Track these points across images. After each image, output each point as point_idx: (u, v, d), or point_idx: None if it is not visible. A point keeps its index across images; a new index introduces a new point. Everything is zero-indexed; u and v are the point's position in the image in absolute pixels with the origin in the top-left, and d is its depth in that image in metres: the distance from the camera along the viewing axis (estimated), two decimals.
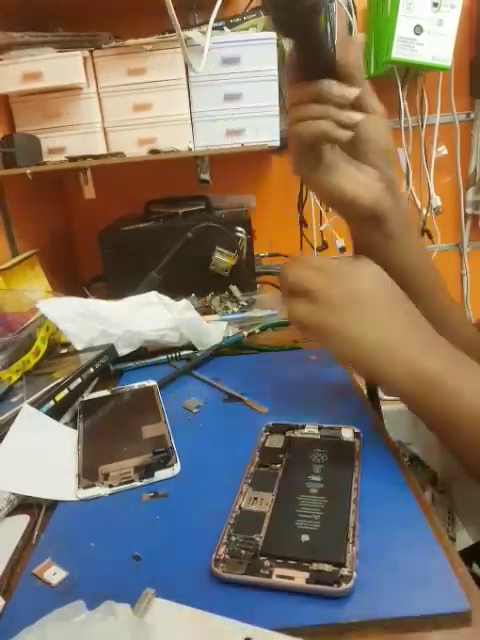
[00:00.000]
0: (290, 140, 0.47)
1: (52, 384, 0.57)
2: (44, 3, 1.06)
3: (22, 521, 0.41)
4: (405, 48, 1.10)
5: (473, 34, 1.27)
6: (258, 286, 1.04)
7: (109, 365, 0.67)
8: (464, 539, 1.00)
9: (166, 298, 0.77)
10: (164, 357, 0.70)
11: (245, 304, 0.93)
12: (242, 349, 0.73)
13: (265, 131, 1.10)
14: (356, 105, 0.45)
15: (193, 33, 1.01)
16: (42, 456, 0.48)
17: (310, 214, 1.35)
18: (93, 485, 0.44)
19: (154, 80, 1.05)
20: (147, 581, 0.32)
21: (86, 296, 1.03)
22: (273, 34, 1.05)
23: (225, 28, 1.09)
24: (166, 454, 0.46)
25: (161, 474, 0.44)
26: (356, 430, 0.46)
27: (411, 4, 1.07)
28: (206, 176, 1.29)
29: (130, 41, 1.01)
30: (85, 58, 1.02)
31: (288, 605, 0.30)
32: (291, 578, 0.31)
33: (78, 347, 0.66)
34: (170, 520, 0.39)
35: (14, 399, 0.58)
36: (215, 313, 0.89)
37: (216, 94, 1.07)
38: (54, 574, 0.35)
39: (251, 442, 0.47)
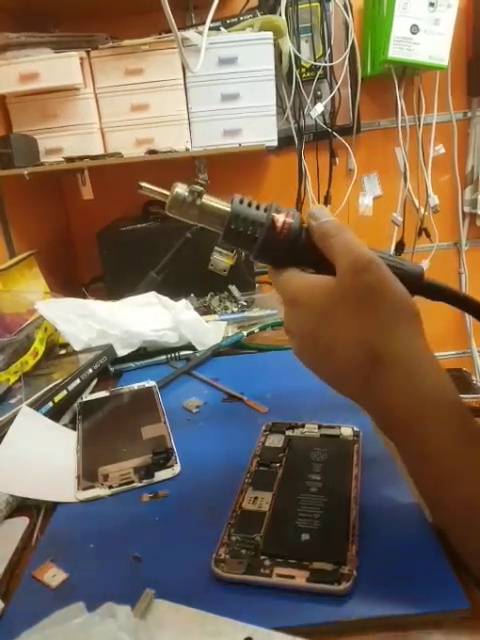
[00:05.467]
0: None
1: (51, 385, 0.56)
2: (41, 3, 1.06)
3: (21, 523, 0.41)
4: (401, 47, 1.11)
5: (469, 33, 1.27)
6: (257, 286, 1.04)
7: (108, 366, 0.66)
8: None
9: (165, 298, 0.77)
10: (163, 357, 0.70)
11: (244, 304, 0.93)
12: (241, 349, 0.73)
13: (262, 131, 1.10)
14: None
15: (190, 33, 1.01)
16: (41, 458, 0.48)
17: None
18: (93, 486, 0.44)
19: (151, 80, 1.05)
20: (147, 582, 0.32)
21: (85, 297, 1.03)
22: (270, 34, 1.05)
23: (222, 28, 1.09)
24: (166, 454, 0.46)
25: (161, 474, 0.44)
26: (356, 429, 0.46)
27: (407, 4, 1.07)
28: (204, 176, 1.29)
29: (127, 41, 1.01)
30: (82, 58, 1.02)
31: (288, 604, 0.30)
32: (291, 577, 0.31)
33: (77, 348, 0.66)
34: (170, 520, 0.39)
35: (13, 400, 0.58)
36: (214, 313, 0.89)
37: (213, 94, 1.07)
38: (54, 576, 0.34)
39: (251, 442, 0.47)
